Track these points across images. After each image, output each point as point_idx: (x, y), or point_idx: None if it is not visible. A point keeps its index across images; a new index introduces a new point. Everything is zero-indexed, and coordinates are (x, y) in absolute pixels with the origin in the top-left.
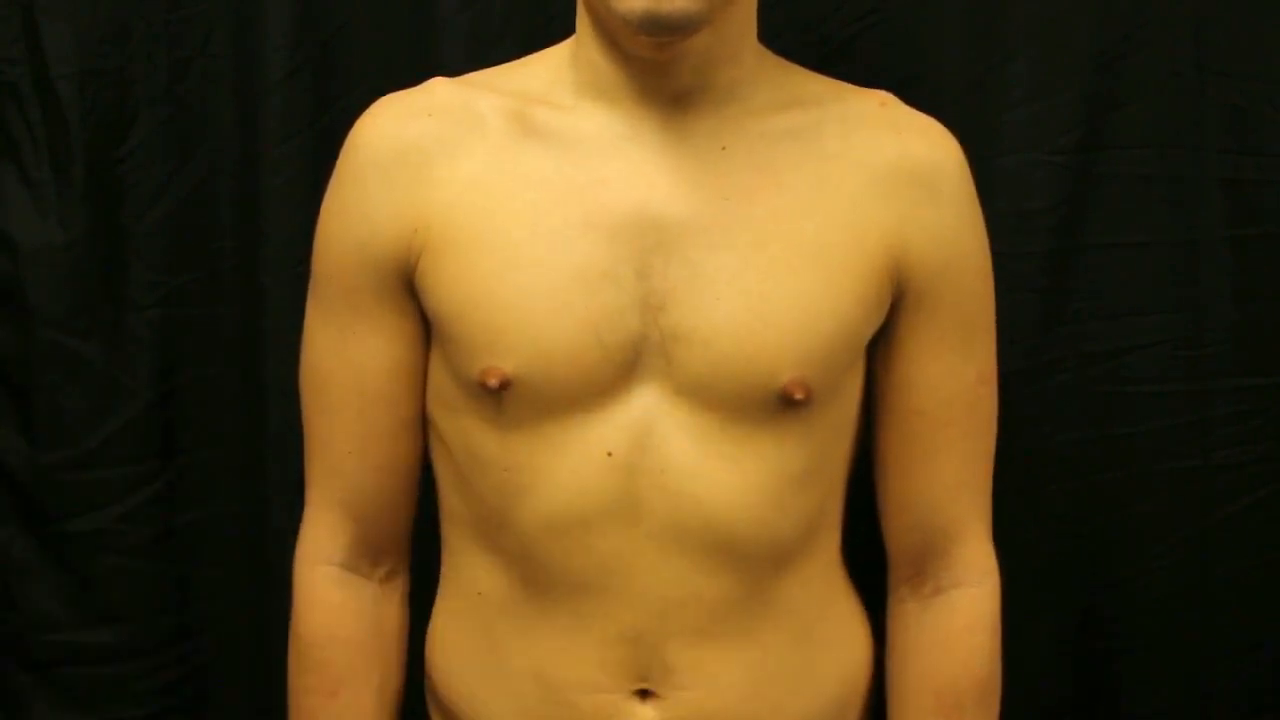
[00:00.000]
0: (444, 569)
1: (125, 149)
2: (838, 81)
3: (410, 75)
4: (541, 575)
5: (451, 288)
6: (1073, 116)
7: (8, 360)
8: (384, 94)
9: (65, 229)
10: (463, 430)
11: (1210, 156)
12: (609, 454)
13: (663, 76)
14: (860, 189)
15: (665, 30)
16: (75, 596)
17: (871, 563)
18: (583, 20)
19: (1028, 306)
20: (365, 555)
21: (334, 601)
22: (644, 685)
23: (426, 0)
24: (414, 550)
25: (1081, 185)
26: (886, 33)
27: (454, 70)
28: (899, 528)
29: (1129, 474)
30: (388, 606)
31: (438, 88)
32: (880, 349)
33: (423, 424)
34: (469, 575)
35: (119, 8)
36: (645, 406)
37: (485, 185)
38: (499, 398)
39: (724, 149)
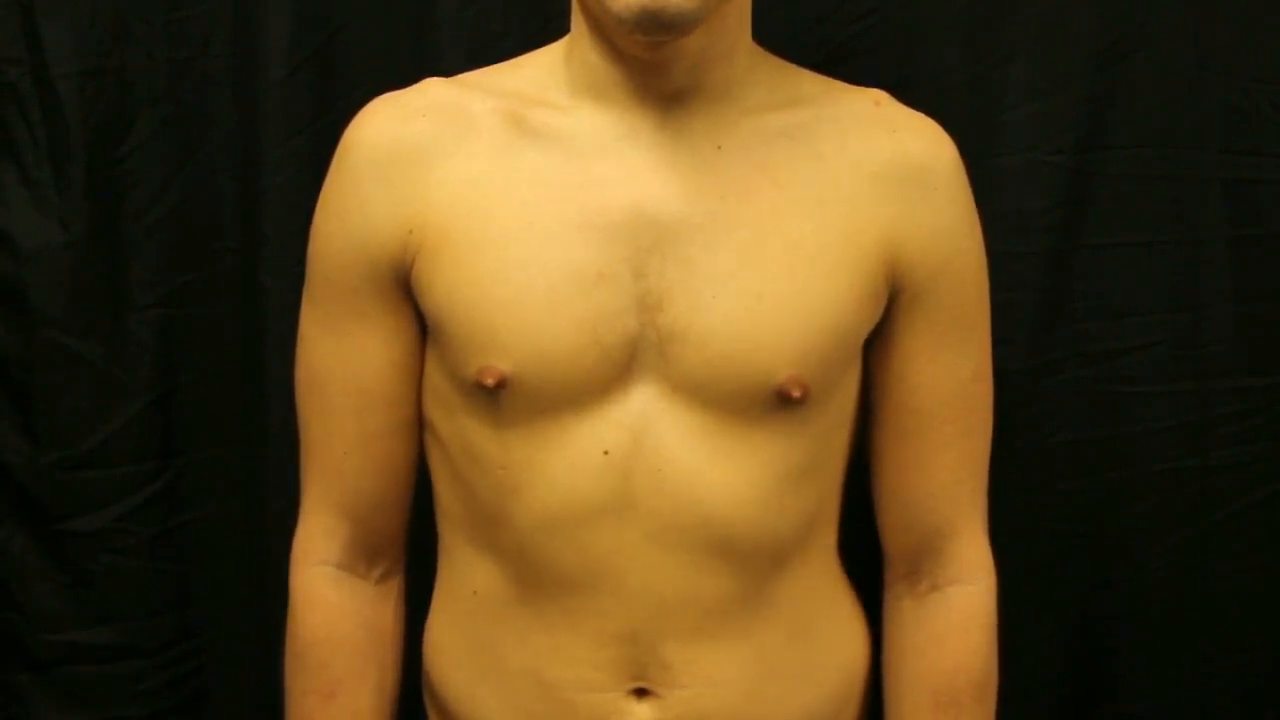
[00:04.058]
0: (440, 569)
1: (125, 149)
2: (833, 80)
3: (410, 75)
4: (537, 574)
5: (448, 287)
6: (1073, 116)
7: (8, 360)
8: (383, 94)
9: (65, 229)
10: (459, 429)
11: (1210, 156)
12: (606, 452)
13: (657, 76)
14: (856, 188)
15: (661, 29)
16: (75, 596)
17: (868, 560)
18: (577, 20)
19: (1028, 306)
20: (361, 556)
21: (330, 602)
22: (641, 684)
23: (426, 0)
24: (411, 550)
25: (1081, 185)
26: (886, 33)
27: (454, 70)
28: (895, 525)
29: (1128, 474)
30: (384, 607)
31: (432, 88)
32: (876, 347)
33: (419, 424)
34: (465, 574)
35: (119, 8)
36: (642, 405)
37: (481, 185)
38: (495, 397)
39: (719, 148)
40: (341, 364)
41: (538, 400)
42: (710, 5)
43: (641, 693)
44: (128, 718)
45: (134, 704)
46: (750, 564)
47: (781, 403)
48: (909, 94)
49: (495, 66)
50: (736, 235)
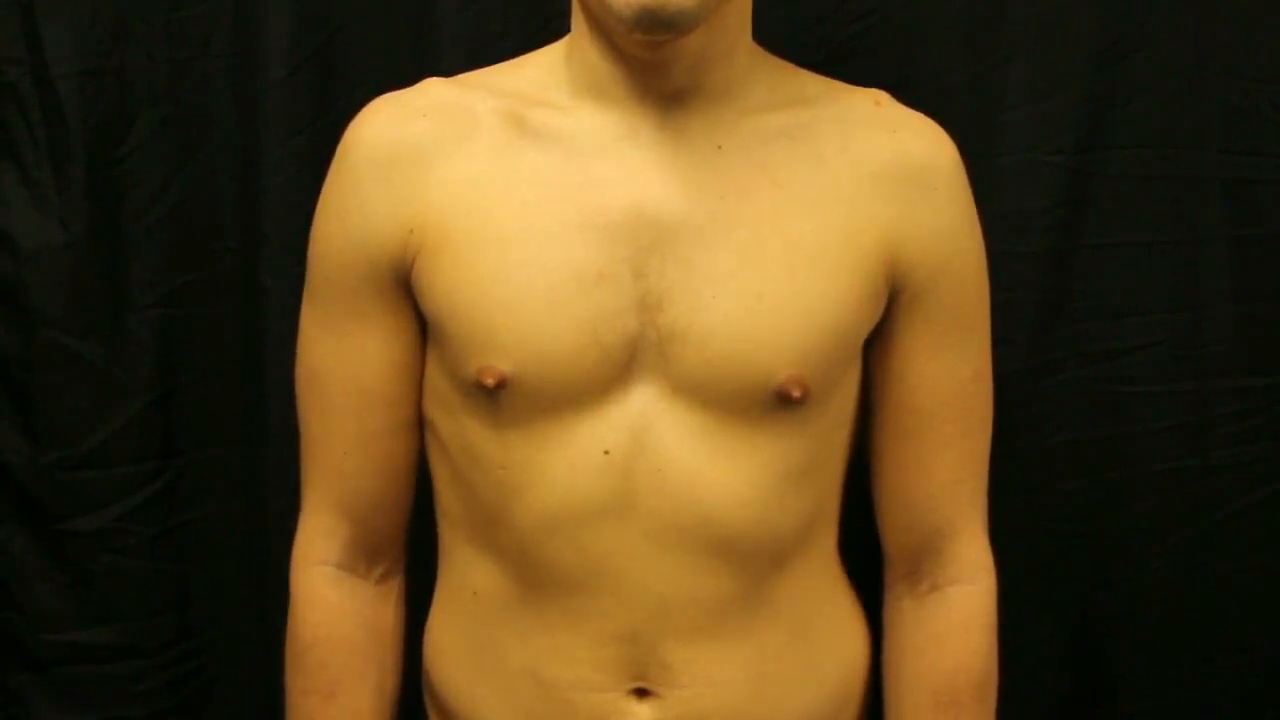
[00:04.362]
0: (440, 569)
1: (125, 149)
2: (832, 80)
3: (410, 75)
4: (538, 574)
5: (448, 288)
6: (1073, 116)
7: (8, 360)
8: (384, 94)
9: (65, 229)
10: (459, 429)
11: (1210, 156)
12: (606, 452)
13: (658, 76)
14: (856, 188)
15: (661, 28)
16: (75, 596)
17: (868, 560)
18: (578, 20)
19: (1028, 306)
20: (362, 556)
21: (331, 602)
22: (641, 684)
23: (426, 0)
24: (411, 550)
25: (1081, 185)
26: (886, 33)
27: (454, 70)
28: (895, 525)
29: (1129, 474)
30: (384, 607)
31: (432, 88)
32: (876, 347)
33: (419, 424)
34: (465, 575)
35: (119, 8)
36: (643, 405)
37: (482, 185)
38: (496, 397)
39: (720, 148)
40: (341, 364)
41: (538, 400)
42: (710, 4)
43: (642, 693)
44: (128, 718)
45: (134, 704)
46: (750, 564)
47: (781, 403)
48: (909, 94)
49: (496, 66)
50: (736, 235)
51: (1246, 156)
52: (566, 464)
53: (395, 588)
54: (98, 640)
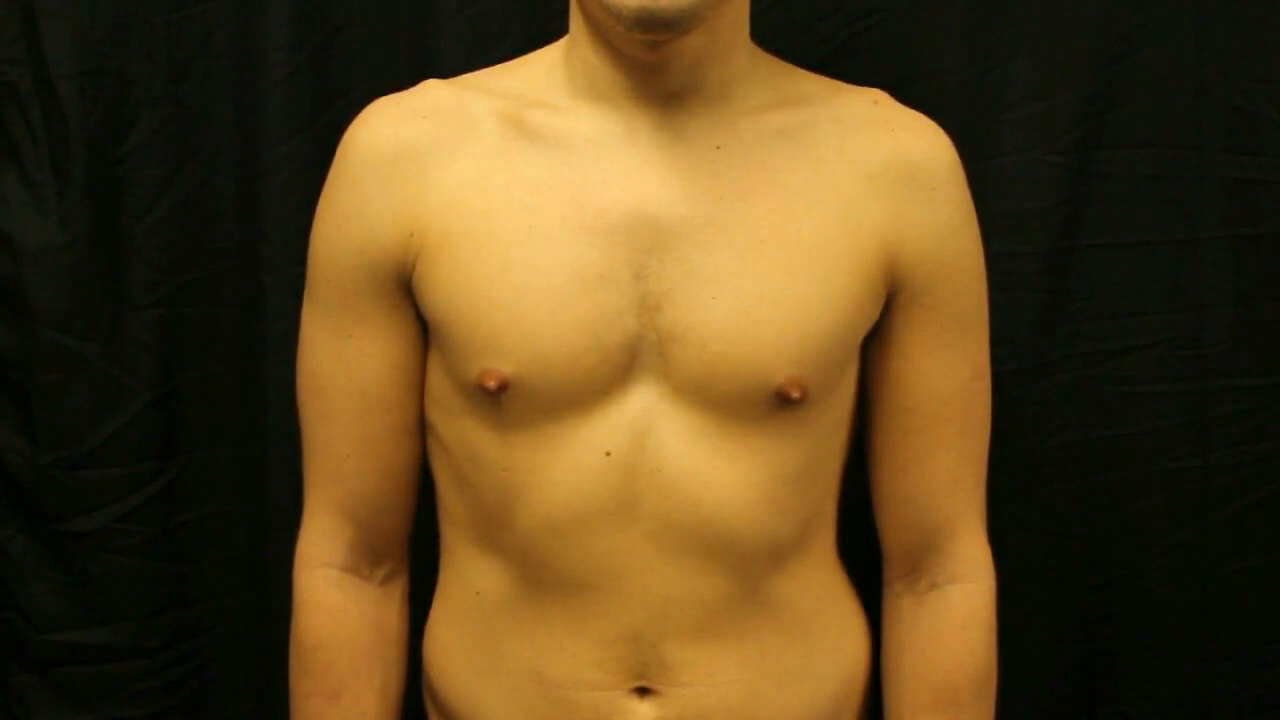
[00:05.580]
0: (442, 569)
1: (125, 149)
2: (830, 80)
3: (410, 75)
4: (540, 575)
5: (449, 290)
6: (1073, 116)
7: (8, 360)
8: (384, 94)
9: (65, 229)
10: (461, 431)
11: (1210, 156)
12: (607, 454)
13: (656, 76)
14: (855, 188)
15: (659, 27)
16: (75, 596)
17: (868, 559)
18: (576, 20)
19: (1028, 306)
20: (365, 557)
21: (334, 604)
22: (642, 683)
23: (426, 0)
24: (413, 551)
25: (1081, 185)
26: (886, 33)
27: (453, 70)
28: (894, 524)
29: (1129, 474)
30: (388, 608)
31: (431, 89)
32: (875, 347)
33: (421, 427)
34: (468, 575)
35: (119, 8)
36: (643, 406)
37: (481, 187)
38: (497, 399)
39: (718, 149)
40: (343, 366)
41: (539, 402)
42: (708, 3)
43: (643, 691)
44: (128, 718)
45: (134, 704)
46: (750, 564)
47: (781, 404)
48: (909, 94)
49: (495, 67)
50: (736, 236)
51: (1246, 156)
52: (568, 466)
53: (399, 589)
54: (98, 640)
